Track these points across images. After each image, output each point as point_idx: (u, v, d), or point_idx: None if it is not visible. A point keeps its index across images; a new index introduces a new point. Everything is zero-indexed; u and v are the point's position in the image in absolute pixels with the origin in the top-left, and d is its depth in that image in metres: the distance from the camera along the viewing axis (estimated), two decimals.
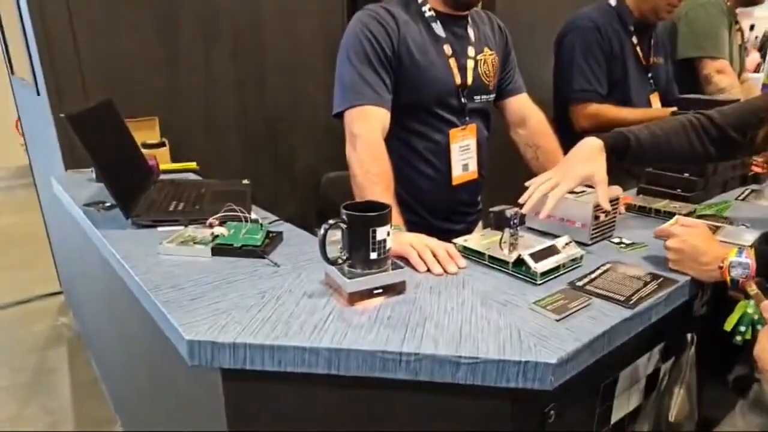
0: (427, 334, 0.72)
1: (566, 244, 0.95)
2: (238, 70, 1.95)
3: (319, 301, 0.82)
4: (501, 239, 0.95)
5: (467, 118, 1.27)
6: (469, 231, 1.41)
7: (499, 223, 0.91)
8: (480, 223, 1.45)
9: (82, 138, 1.04)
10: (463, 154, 1.28)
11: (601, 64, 1.70)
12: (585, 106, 1.72)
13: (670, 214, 1.21)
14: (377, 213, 0.80)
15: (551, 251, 0.93)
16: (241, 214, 1.07)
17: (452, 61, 1.23)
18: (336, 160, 2.35)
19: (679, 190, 1.33)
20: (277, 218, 1.18)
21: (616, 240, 1.08)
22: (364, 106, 1.13)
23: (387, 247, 0.83)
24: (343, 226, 0.81)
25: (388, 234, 0.82)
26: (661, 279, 0.90)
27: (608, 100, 1.72)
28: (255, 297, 0.83)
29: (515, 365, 0.68)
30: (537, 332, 0.73)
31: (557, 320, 0.76)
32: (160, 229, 1.12)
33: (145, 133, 1.66)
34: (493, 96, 1.33)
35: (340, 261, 0.83)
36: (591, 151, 1.01)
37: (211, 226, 1.08)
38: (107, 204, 1.25)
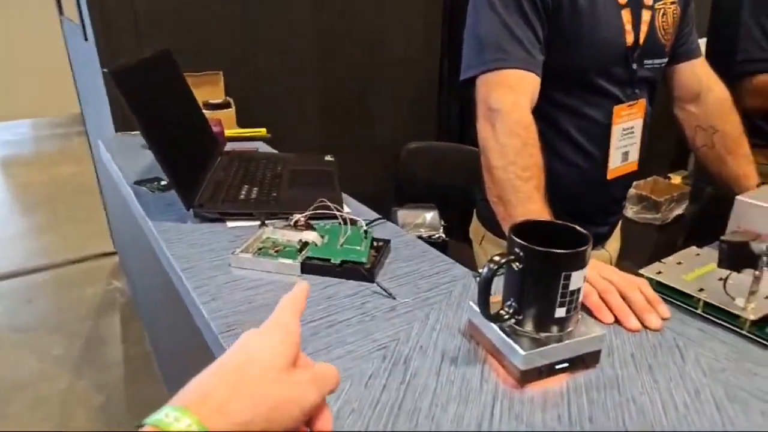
0: None
1: None
2: (318, 20, 1.65)
3: (470, 373, 0.54)
4: (726, 279, 0.64)
5: (636, 91, 0.93)
6: (609, 234, 1.09)
7: (739, 260, 0.60)
8: (619, 225, 1.12)
9: (131, 101, 0.78)
10: (626, 139, 0.95)
11: None
12: (753, 79, 1.32)
13: None
14: (577, 250, 0.51)
15: None
16: (337, 213, 0.79)
17: (625, 14, 0.88)
18: (419, 128, 2.06)
19: None
20: (379, 217, 0.90)
21: None
22: (508, 70, 0.81)
23: (580, 299, 0.54)
24: (516, 265, 0.52)
25: (584, 280, 0.53)
26: None
27: None
28: (373, 356, 0.56)
29: None
30: None
31: None
32: (230, 224, 0.86)
33: (206, 90, 1.40)
34: (666, 60, 0.98)
35: (505, 316, 0.54)
36: None
37: (296, 225, 0.81)
38: (163, 182, 1.01)
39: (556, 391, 0.52)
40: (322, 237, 0.76)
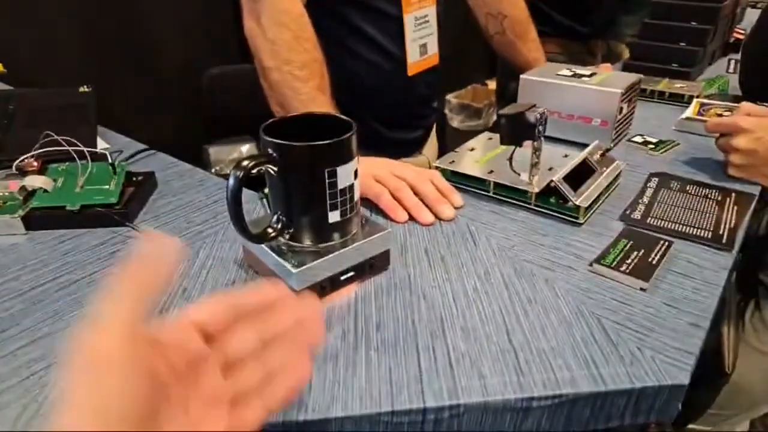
0: (459, 356, 0.40)
1: (601, 154, 0.65)
2: None
3: None
4: (511, 156, 0.62)
5: None
6: (425, 139, 1.06)
7: (517, 132, 0.58)
8: (434, 129, 1.10)
9: None
10: (421, 29, 0.88)
11: None
12: None
13: (678, 97, 0.95)
14: (336, 139, 0.42)
15: (586, 169, 0.62)
16: (70, 148, 0.62)
17: None
18: (218, 49, 1.81)
19: (675, 65, 1.07)
20: (146, 147, 0.74)
21: (638, 138, 0.80)
22: None
23: (355, 199, 0.47)
24: (272, 169, 0.43)
25: (356, 175, 0.46)
26: (732, 193, 0.64)
27: None
28: None
29: (622, 396, 0.38)
30: (628, 319, 0.44)
31: (643, 289, 0.48)
32: None
33: None
34: None
35: (271, 233, 0.45)
36: None
37: (22, 172, 0.62)
38: None
39: (343, 305, 0.46)
40: (55, 181, 0.59)
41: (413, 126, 0.99)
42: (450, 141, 1.30)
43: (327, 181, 0.43)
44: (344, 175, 0.44)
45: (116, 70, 1.47)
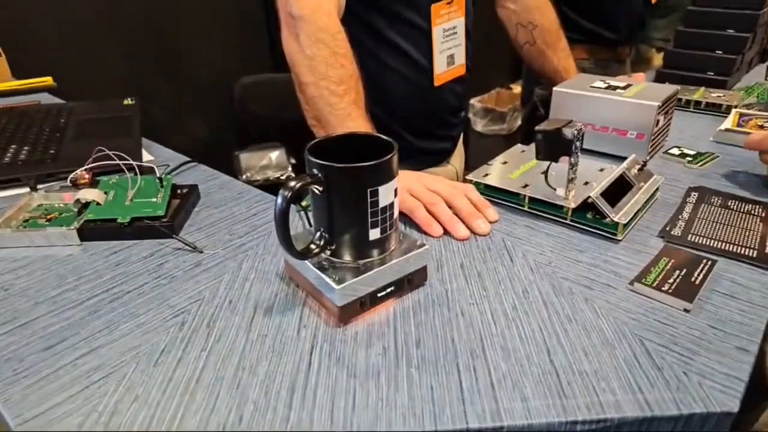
0: (500, 376, 0.41)
1: (639, 169, 0.64)
2: None
3: (286, 321, 0.47)
4: (547, 171, 0.63)
5: None
6: (453, 149, 1.07)
7: (554, 148, 0.58)
8: (461, 139, 1.10)
9: None
10: (449, 41, 0.89)
11: None
12: None
13: (715, 107, 0.94)
14: (379, 160, 0.44)
15: (624, 184, 0.62)
16: (121, 162, 0.64)
17: None
18: (250, 59, 1.87)
19: (710, 73, 1.05)
20: (189, 159, 0.77)
21: (675, 150, 0.79)
22: None
23: (395, 216, 0.48)
24: (317, 189, 0.44)
25: (396, 193, 0.47)
26: None
27: None
28: (168, 325, 0.46)
29: (668, 423, 0.38)
30: (672, 341, 0.44)
31: (687, 310, 0.47)
32: None
33: None
34: None
35: (314, 250, 0.47)
36: None
37: (75, 184, 0.65)
38: None
39: (382, 321, 0.47)
40: (106, 194, 0.62)
41: (442, 136, 0.99)
42: (473, 145, 1.30)
43: (369, 200, 0.44)
44: (386, 193, 0.45)
45: (153, 80, 1.52)
